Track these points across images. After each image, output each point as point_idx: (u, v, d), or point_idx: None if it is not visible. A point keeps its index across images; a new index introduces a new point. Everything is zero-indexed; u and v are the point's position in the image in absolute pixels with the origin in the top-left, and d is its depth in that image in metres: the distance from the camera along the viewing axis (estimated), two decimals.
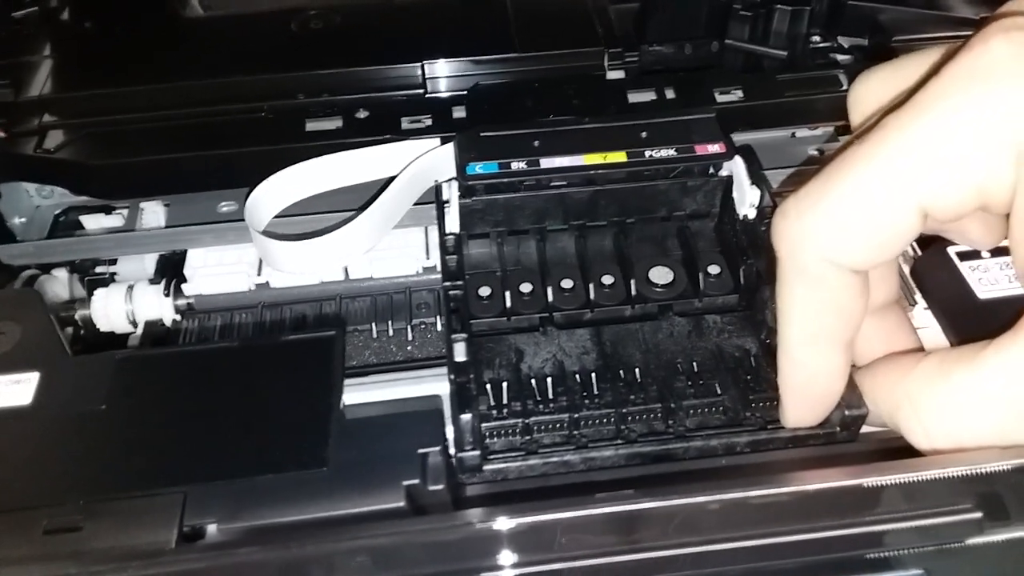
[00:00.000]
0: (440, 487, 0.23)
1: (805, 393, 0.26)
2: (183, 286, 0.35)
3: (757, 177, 0.33)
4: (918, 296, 0.34)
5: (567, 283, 0.34)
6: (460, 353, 0.29)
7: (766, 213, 0.32)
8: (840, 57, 0.44)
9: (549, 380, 0.31)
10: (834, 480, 0.24)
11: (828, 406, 0.26)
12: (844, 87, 0.40)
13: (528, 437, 0.29)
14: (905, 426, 0.24)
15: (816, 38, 0.45)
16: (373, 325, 0.34)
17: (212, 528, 0.23)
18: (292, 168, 0.34)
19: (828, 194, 0.22)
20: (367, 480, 0.23)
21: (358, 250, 0.34)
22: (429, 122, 0.36)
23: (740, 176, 0.34)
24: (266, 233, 0.34)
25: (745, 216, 0.34)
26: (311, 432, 0.24)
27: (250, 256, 0.36)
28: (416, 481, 0.23)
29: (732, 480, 0.23)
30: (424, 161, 0.34)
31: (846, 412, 0.26)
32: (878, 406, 0.25)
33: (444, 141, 0.34)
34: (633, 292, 0.34)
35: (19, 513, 0.23)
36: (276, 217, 0.35)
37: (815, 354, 0.24)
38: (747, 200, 0.33)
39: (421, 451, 0.24)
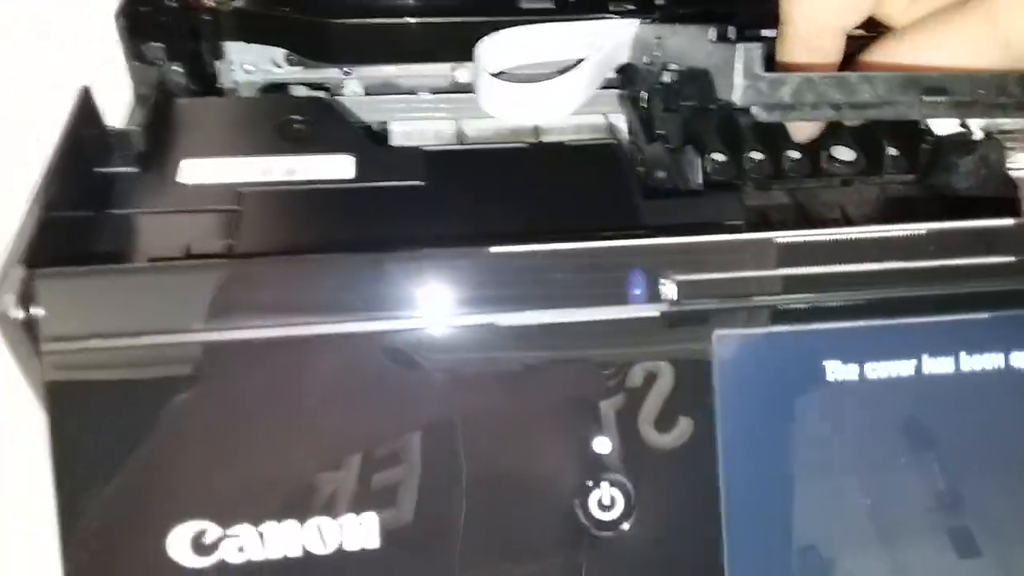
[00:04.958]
0: None
1: None
2: None
3: None
4: None
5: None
6: None
7: None
8: None
9: None
10: None
11: None
12: None
13: None
14: None
15: None
16: None
17: None
18: (519, 28, 0.37)
19: None
20: None
21: (567, 103, 0.37)
22: (632, 6, 0.40)
23: None
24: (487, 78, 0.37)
25: None
26: (619, 203, 0.27)
27: (449, 131, 0.38)
28: None
29: None
30: (625, 34, 0.38)
31: None
32: None
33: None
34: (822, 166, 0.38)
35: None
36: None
37: None
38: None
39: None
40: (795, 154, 0.38)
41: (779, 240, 0.23)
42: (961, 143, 0.36)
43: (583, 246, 0.22)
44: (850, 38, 0.32)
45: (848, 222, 0.34)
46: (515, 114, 0.37)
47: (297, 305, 0.22)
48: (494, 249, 0.22)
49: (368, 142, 0.30)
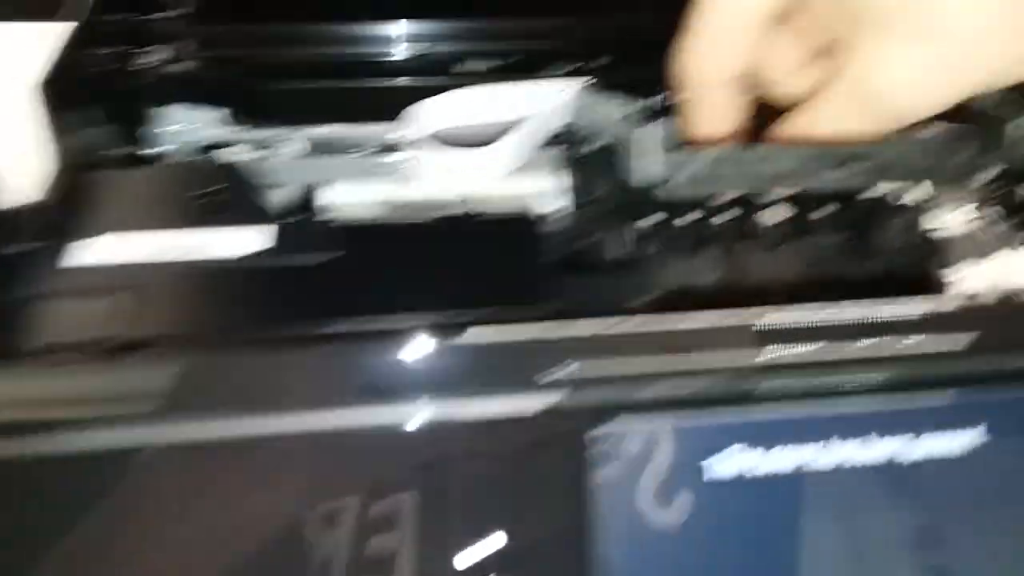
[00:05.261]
0: None
1: None
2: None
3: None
4: None
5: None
6: None
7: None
8: None
9: None
10: None
11: None
12: None
13: None
14: None
15: None
16: None
17: None
18: (454, 92, 0.38)
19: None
20: None
21: (502, 167, 0.37)
22: (572, 68, 0.40)
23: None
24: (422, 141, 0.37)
25: None
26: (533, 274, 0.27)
27: (383, 194, 0.39)
28: None
29: None
30: (563, 97, 0.38)
31: None
32: None
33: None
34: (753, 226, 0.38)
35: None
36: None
37: None
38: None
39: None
40: (726, 216, 0.38)
41: (667, 328, 0.23)
42: (890, 205, 0.36)
43: (461, 339, 0.22)
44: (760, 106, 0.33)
45: (776, 291, 0.34)
46: (449, 179, 0.37)
47: (180, 405, 0.21)
48: (356, 342, 0.22)
49: (285, 213, 0.30)
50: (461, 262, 0.28)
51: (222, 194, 0.30)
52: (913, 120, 0.30)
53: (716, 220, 0.36)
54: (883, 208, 0.35)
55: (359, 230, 0.30)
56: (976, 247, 0.40)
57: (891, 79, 0.28)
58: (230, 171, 0.31)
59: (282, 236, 0.29)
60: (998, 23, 0.25)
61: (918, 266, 0.35)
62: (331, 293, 0.26)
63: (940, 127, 0.39)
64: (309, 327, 0.23)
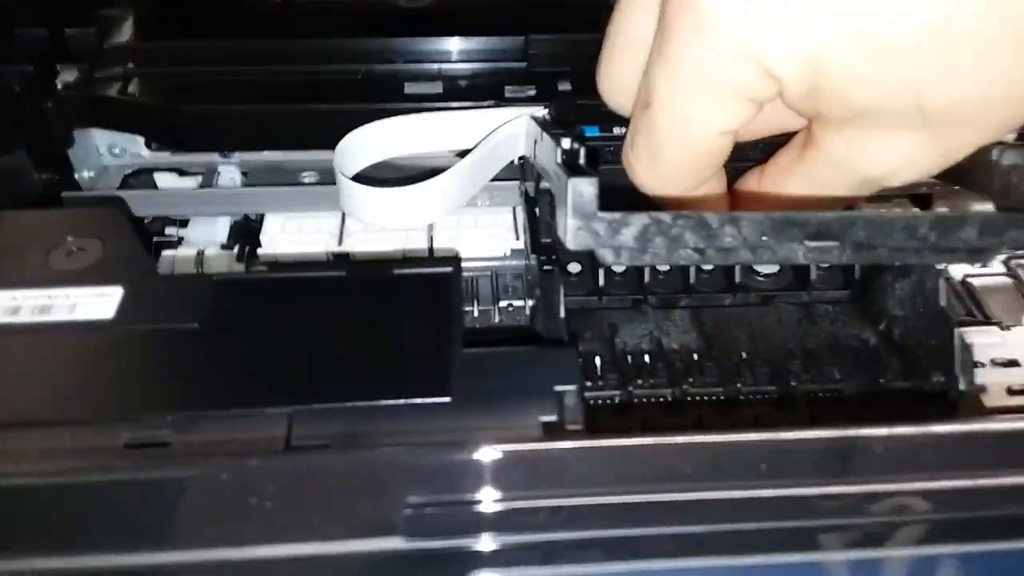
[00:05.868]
0: (578, 427, 0.21)
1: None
2: (258, 251, 0.33)
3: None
4: None
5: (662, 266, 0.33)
6: None
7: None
8: None
9: (646, 356, 0.30)
10: None
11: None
12: None
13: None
14: None
15: None
16: None
17: None
18: (388, 120, 0.33)
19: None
20: (496, 415, 0.21)
21: (442, 206, 0.33)
22: (533, 92, 0.35)
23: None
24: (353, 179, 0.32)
25: None
26: (430, 362, 0.23)
27: (331, 225, 0.34)
28: (553, 418, 0.22)
29: None
30: (515, 127, 0.33)
31: None
32: None
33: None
34: (737, 280, 0.33)
35: (98, 426, 0.21)
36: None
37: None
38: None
39: (558, 388, 0.22)
40: (708, 264, 0.33)
41: (570, 448, 0.18)
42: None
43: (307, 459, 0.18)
44: None
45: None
46: (383, 219, 0.33)
47: None
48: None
49: (148, 270, 0.26)
50: (352, 334, 0.23)
51: (86, 246, 0.25)
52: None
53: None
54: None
55: (242, 287, 0.25)
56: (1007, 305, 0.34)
57: (878, 162, 0.24)
58: (101, 220, 0.27)
59: (148, 296, 0.24)
60: (989, 103, 0.22)
61: (933, 333, 0.29)
62: (180, 373, 0.22)
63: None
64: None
